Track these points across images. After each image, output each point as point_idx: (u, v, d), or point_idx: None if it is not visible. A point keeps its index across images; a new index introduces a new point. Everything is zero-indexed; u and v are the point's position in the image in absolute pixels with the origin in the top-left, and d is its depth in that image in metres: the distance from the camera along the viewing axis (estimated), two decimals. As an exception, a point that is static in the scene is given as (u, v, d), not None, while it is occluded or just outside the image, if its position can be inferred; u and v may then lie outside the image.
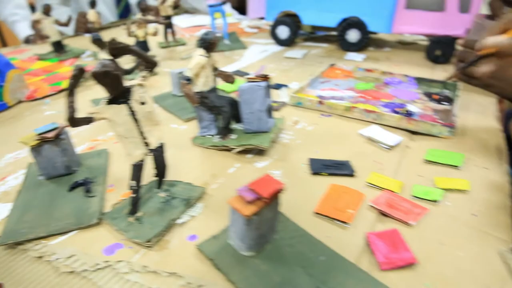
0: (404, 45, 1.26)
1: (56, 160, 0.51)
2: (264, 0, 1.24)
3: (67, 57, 1.10)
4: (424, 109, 0.74)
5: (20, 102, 0.82)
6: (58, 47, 1.09)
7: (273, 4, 1.23)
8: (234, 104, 0.61)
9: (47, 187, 0.51)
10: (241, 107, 0.60)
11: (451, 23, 1.03)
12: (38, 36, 1.10)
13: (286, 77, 0.94)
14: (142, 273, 0.39)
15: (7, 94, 0.76)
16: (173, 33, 1.23)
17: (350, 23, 1.13)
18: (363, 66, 1.00)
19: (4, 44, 3.26)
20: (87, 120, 0.38)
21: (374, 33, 1.22)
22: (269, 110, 0.63)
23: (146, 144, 0.44)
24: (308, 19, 1.20)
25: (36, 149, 0.49)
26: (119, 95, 0.39)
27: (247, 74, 0.94)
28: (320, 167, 0.56)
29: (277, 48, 1.22)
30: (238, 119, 0.63)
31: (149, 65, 0.42)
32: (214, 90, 0.60)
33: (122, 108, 0.40)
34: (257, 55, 1.15)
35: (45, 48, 1.18)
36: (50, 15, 1.03)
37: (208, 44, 0.56)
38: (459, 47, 0.86)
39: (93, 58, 1.11)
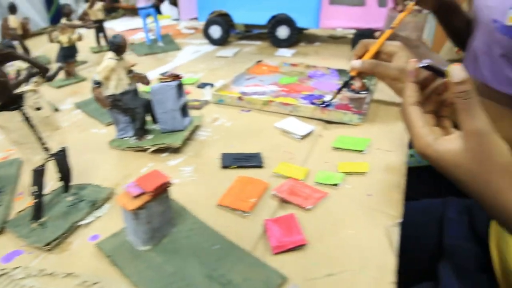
0: (335, 39, 1.30)
1: None
2: (195, 1, 1.24)
3: None
4: (341, 99, 0.77)
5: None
6: None
7: (205, 4, 1.24)
8: (148, 105, 0.61)
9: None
10: (155, 108, 0.61)
11: (371, 17, 1.09)
12: None
13: (215, 75, 0.95)
14: (38, 276, 0.39)
15: None
16: (105, 37, 1.21)
17: (279, 20, 1.16)
18: (290, 61, 1.03)
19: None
20: None
21: (305, 29, 1.26)
22: (184, 109, 0.64)
23: (46, 149, 0.43)
24: (239, 18, 1.22)
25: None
26: (9, 101, 0.39)
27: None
28: (231, 161, 0.57)
29: (211, 47, 1.22)
30: (155, 120, 0.63)
31: (40, 70, 0.42)
32: (129, 92, 0.60)
33: (14, 115, 0.39)
34: (189, 55, 1.15)
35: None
36: None
37: (117, 46, 0.57)
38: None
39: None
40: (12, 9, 1.00)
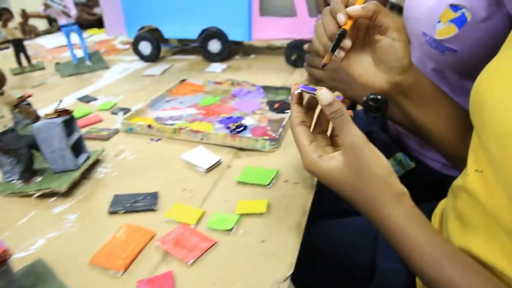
0: (272, 49, 1.27)
1: None
2: (123, 17, 1.17)
3: None
4: (260, 120, 0.73)
5: None
6: None
7: (132, 19, 1.17)
8: (35, 144, 0.55)
9: None
10: (41, 147, 0.55)
11: (303, 27, 1.05)
12: None
13: (136, 98, 0.88)
14: None
15: None
16: (27, 57, 1.12)
17: (209, 33, 1.11)
18: (220, 77, 0.98)
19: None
20: None
21: (239, 42, 1.21)
22: (79, 145, 0.58)
23: None
24: (170, 32, 1.16)
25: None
26: None
27: (95, 99, 0.88)
28: (121, 205, 0.51)
29: (141, 64, 1.16)
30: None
31: None
32: (11, 130, 0.54)
33: None
34: (117, 75, 1.08)
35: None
36: None
37: None
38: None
39: None
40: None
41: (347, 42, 0.45)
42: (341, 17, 0.44)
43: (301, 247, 0.43)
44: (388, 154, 0.84)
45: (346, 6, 0.44)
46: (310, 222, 0.78)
